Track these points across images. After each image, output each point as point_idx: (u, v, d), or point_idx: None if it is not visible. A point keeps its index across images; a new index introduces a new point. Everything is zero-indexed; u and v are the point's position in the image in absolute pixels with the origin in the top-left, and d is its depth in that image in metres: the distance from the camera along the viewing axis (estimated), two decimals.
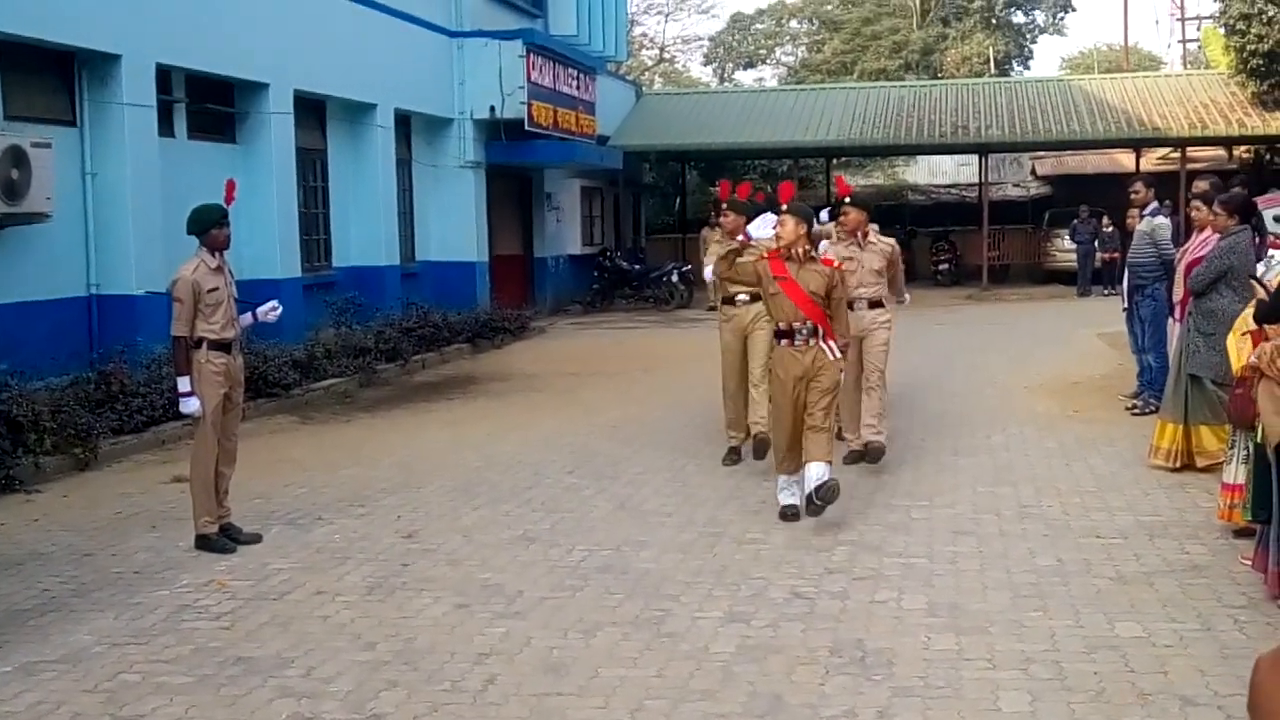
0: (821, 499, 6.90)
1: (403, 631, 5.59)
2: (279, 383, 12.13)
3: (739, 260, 7.65)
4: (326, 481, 8.76)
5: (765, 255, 7.40)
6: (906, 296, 9.51)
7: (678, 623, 5.62)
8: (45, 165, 10.62)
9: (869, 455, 8.53)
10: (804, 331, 7.16)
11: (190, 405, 6.97)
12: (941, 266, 27.89)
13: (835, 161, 31.96)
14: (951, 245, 28.25)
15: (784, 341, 7.26)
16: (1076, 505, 7.54)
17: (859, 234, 8.73)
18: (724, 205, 8.95)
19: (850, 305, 8.07)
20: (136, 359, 10.93)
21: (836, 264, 7.48)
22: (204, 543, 6.97)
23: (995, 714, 4.61)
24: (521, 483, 8.60)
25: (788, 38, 53.73)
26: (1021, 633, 5.40)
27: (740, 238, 7.79)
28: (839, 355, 7.25)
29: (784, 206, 7.44)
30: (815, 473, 7.01)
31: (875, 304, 8.77)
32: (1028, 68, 49.71)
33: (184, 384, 6.96)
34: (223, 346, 7.07)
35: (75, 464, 9.16)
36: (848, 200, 8.92)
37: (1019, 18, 50.34)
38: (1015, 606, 5.75)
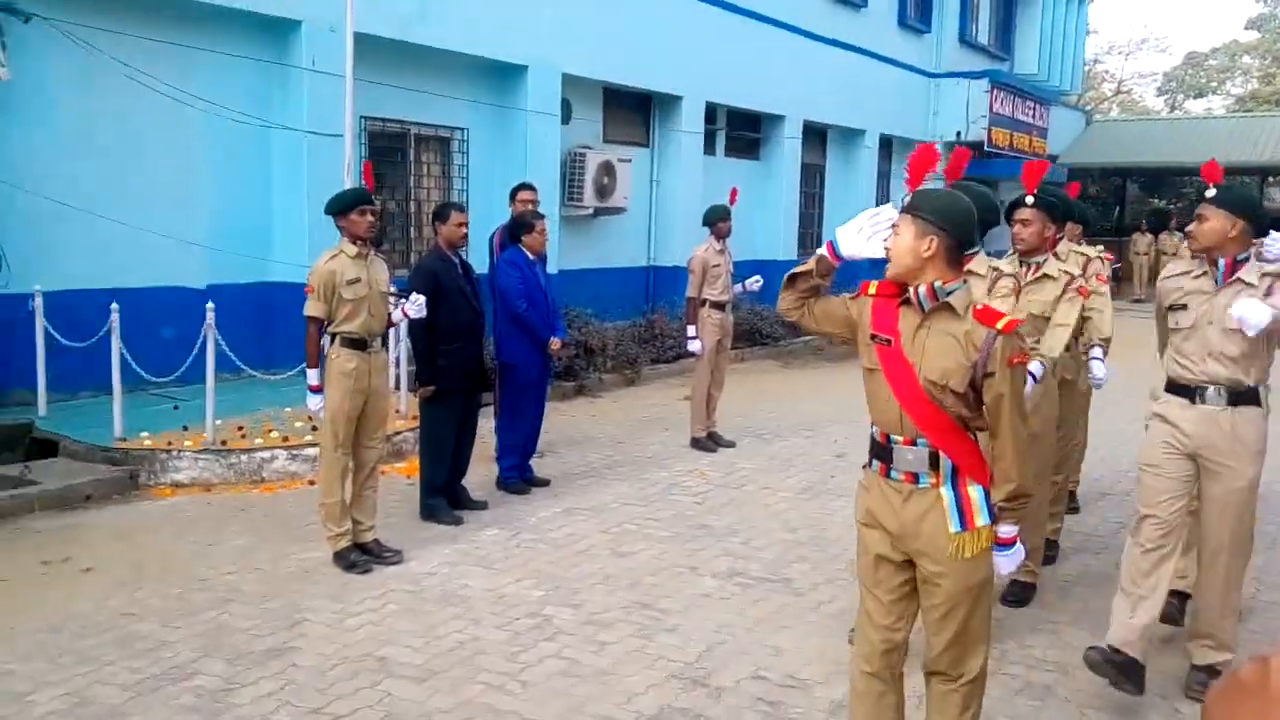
0: None
1: (820, 524, 5.70)
2: (770, 335, 12.53)
3: (825, 297, 2.95)
4: (789, 410, 9.00)
5: (870, 290, 2.88)
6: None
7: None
8: (626, 174, 11.64)
9: (1188, 688, 3.60)
10: (908, 458, 2.62)
11: (694, 345, 7.46)
12: None
13: (1270, 180, 27.34)
14: None
15: (877, 465, 2.70)
16: None
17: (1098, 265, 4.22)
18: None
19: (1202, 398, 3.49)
20: (674, 312, 11.73)
21: (1009, 319, 2.56)
22: (696, 443, 7.47)
23: None
24: None
25: (1239, 72, 46.27)
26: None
27: (822, 250, 2.90)
28: (985, 521, 2.57)
29: (906, 197, 2.76)
30: None
31: (1239, 396, 3.46)
32: None
33: (691, 331, 7.46)
34: (719, 306, 7.48)
35: (625, 381, 10.05)
36: (1029, 201, 4.17)
37: None
38: None
